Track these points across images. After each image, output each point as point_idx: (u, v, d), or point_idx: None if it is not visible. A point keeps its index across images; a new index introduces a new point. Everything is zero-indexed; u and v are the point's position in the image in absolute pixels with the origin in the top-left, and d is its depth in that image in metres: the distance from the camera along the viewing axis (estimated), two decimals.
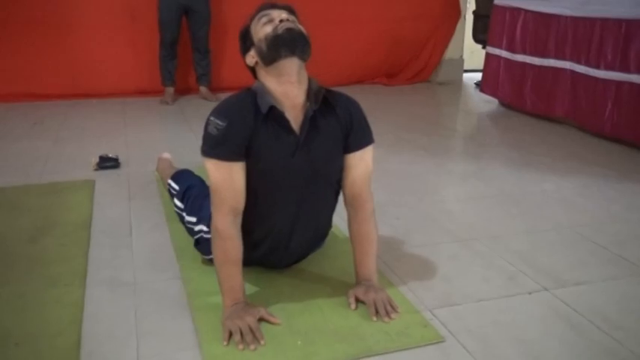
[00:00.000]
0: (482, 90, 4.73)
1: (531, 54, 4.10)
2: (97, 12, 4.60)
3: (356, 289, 1.72)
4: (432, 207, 2.50)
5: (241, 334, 1.51)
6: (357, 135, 1.69)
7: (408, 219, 2.37)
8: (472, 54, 6.09)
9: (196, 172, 2.41)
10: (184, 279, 1.85)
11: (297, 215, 1.72)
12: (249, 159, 1.59)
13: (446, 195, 2.67)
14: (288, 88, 1.59)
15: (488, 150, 3.47)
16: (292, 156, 1.62)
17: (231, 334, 1.52)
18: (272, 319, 1.60)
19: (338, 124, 1.67)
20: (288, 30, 1.55)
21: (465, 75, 5.90)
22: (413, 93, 5.22)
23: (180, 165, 2.64)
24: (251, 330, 1.52)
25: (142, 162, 3.04)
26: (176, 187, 2.30)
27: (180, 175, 2.37)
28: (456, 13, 5.63)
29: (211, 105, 4.56)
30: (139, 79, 4.74)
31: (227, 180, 1.58)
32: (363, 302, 1.69)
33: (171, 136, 3.84)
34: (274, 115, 1.59)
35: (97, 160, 2.95)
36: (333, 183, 1.74)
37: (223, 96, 4.64)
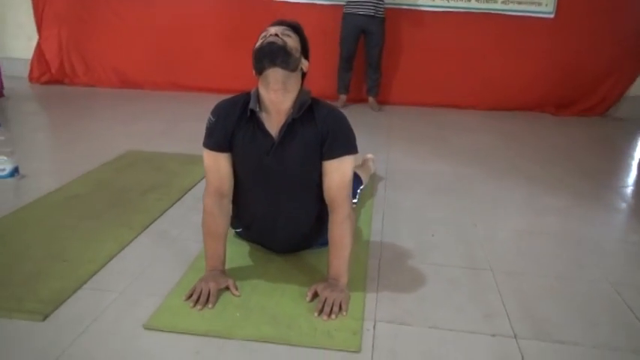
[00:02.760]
0: None
1: None
2: None
3: (319, 284, 1.63)
4: (480, 233, 2.18)
5: (199, 295, 1.57)
6: (332, 144, 1.59)
7: (442, 239, 2.11)
8: None
9: None
10: None
11: (275, 210, 1.69)
12: (232, 152, 1.62)
13: (508, 224, 2.28)
14: (272, 95, 1.56)
15: (607, 192, 2.84)
16: (267, 154, 1.60)
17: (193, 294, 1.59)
18: (233, 291, 1.62)
19: (315, 133, 1.59)
20: (270, 43, 1.52)
21: None
22: (576, 125, 4.49)
23: None
24: (208, 294, 1.57)
25: None
26: None
27: None
28: None
29: (373, 114, 4.57)
30: (323, 86, 4.94)
31: (213, 166, 1.64)
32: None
33: None
34: (254, 118, 1.59)
35: None
36: (311, 186, 1.66)
37: (388, 108, 4.68)
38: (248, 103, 1.61)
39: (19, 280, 1.66)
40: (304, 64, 1.62)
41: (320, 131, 1.59)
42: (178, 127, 3.78)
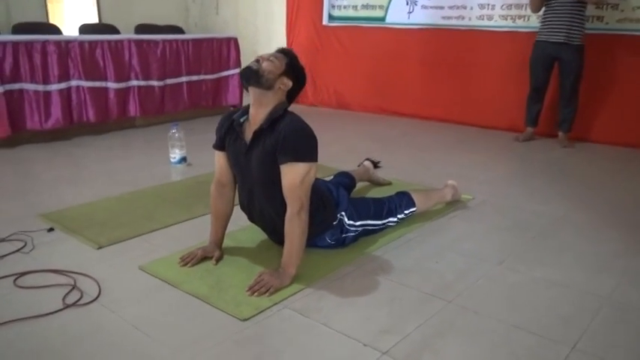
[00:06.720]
0: None
1: None
2: (496, 58, 4.91)
3: (268, 269, 1.96)
4: (493, 272, 2.07)
5: (188, 256, 2.10)
6: (281, 151, 1.88)
7: (442, 267, 2.10)
8: None
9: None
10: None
11: (252, 203, 2.08)
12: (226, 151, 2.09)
13: (539, 271, 2.05)
14: (251, 108, 1.98)
15: None
16: (242, 156, 2.00)
17: None
18: (213, 261, 2.09)
19: (273, 140, 1.91)
20: (246, 67, 1.93)
21: None
22: None
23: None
24: (193, 257, 2.08)
25: (410, 173, 3.46)
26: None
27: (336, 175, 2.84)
28: None
29: (554, 150, 4.38)
30: (512, 116, 4.76)
31: (217, 161, 2.14)
32: None
33: (470, 164, 3.78)
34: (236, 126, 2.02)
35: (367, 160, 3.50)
36: (275, 186, 1.94)
37: (583, 145, 4.25)
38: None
39: (114, 225, 2.48)
40: (285, 83, 1.96)
41: (276, 139, 1.91)
42: (345, 142, 4.32)
